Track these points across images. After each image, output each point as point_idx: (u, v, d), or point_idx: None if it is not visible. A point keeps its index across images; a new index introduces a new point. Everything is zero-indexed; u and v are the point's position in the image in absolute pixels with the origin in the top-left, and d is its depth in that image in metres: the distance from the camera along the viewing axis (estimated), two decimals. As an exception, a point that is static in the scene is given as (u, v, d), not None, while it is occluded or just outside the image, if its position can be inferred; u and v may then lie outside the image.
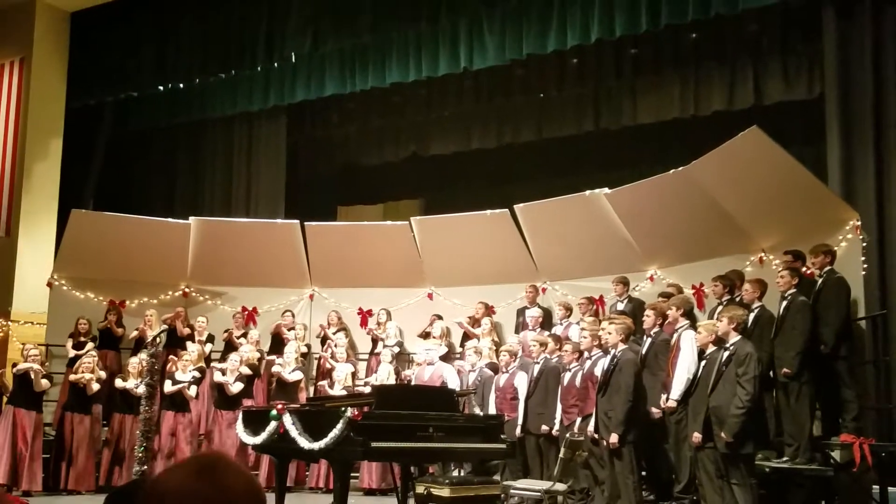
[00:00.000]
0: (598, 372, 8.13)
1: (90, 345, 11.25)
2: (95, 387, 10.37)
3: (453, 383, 9.93)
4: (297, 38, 13.23)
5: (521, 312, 11.22)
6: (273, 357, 11.29)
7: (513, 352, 9.76)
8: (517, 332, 11.00)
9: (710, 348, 7.27)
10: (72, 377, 10.37)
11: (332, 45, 13.07)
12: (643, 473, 8.23)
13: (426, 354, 10.53)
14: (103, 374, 10.66)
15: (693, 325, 7.95)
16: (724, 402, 6.86)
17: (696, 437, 7.07)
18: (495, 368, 10.02)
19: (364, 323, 12.22)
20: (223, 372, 10.70)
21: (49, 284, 12.43)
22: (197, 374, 10.68)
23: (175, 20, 14.24)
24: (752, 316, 7.93)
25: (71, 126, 14.79)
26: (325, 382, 10.95)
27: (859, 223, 8.45)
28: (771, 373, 7.79)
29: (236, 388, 10.55)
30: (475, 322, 11.26)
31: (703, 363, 7.38)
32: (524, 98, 12.98)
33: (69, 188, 14.47)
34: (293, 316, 12.07)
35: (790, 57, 10.89)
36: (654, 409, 7.96)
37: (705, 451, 7.06)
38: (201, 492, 1.35)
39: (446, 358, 10.88)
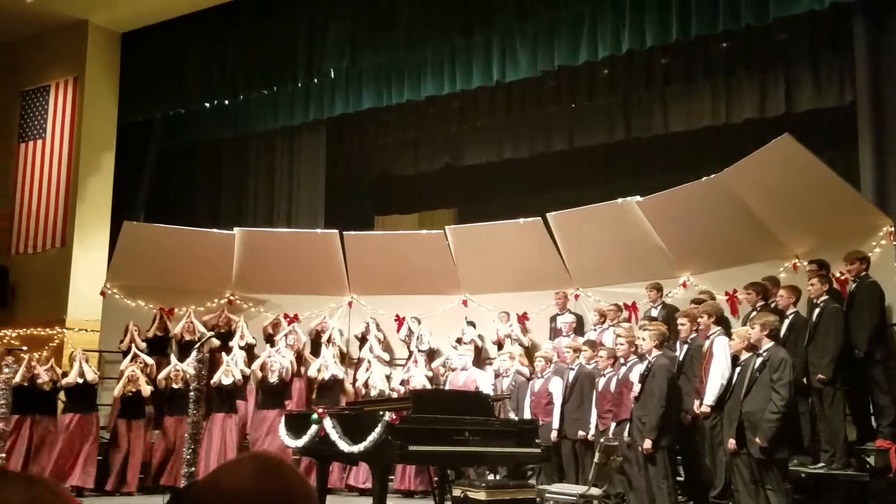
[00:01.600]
0: (633, 378, 7.90)
1: (142, 344, 11.23)
2: (147, 390, 10.42)
3: (486, 388, 9.77)
4: (336, 55, 13.22)
5: (552, 319, 11.01)
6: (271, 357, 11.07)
7: (548, 357, 9.58)
8: (551, 338, 10.79)
9: (744, 355, 7.04)
10: (115, 392, 10.42)
11: (369, 60, 13.05)
12: (679, 479, 8.01)
13: (459, 360, 10.38)
14: (147, 389, 10.63)
15: (725, 332, 7.72)
16: (758, 408, 6.66)
17: (731, 443, 6.83)
18: (526, 374, 9.87)
19: (400, 329, 12.10)
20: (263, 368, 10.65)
21: (102, 293, 12.53)
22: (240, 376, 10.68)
23: (219, 40, 14.33)
24: (787, 322, 7.67)
25: (122, 141, 14.92)
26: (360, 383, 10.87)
27: (892, 229, 8.16)
28: (805, 379, 7.51)
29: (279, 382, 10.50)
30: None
31: (737, 370, 7.15)
32: (556, 108, 12.85)
33: (121, 201, 14.58)
34: (330, 321, 11.98)
35: (821, 64, 10.63)
36: (685, 414, 7.72)
37: (740, 456, 6.83)
38: (266, 491, 1.31)
39: (479, 363, 10.71)
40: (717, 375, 7.41)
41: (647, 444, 7.37)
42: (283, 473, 1.35)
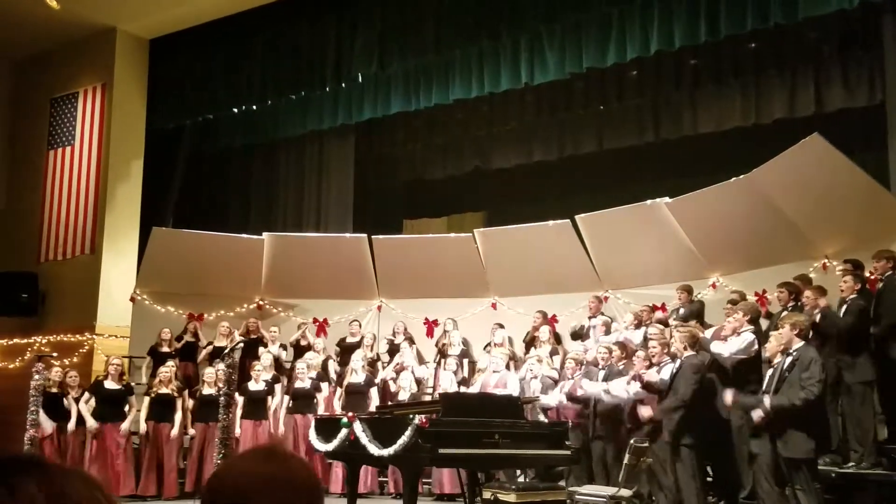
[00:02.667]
0: (664, 376, 8.03)
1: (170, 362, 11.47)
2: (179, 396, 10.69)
3: (515, 391, 9.93)
4: (364, 60, 13.41)
5: (577, 328, 11.11)
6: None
7: (578, 360, 9.72)
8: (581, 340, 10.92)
9: (778, 358, 7.12)
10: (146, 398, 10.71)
11: (397, 65, 13.24)
12: (709, 479, 8.14)
13: (491, 363, 10.55)
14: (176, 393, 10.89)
15: (756, 332, 7.85)
16: (787, 407, 6.75)
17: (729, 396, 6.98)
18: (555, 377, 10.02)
19: (430, 333, 12.31)
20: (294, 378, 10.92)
21: (132, 299, 12.80)
22: (270, 381, 10.93)
23: (247, 46, 14.53)
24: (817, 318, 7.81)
25: (151, 148, 15.13)
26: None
27: (923, 228, 8.28)
28: (836, 378, 7.64)
29: (311, 387, 10.78)
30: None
31: (768, 371, 7.27)
32: (584, 110, 12.98)
33: (150, 207, 14.77)
34: (359, 326, 12.21)
35: (850, 64, 10.72)
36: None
37: (767, 456, 6.96)
38: (269, 473, 1.39)
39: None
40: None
41: (666, 435, 7.49)
42: (279, 455, 1.44)
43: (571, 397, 9.10)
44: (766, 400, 6.78)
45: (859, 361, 7.39)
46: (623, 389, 8.47)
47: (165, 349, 11.74)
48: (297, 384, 10.88)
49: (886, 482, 7.28)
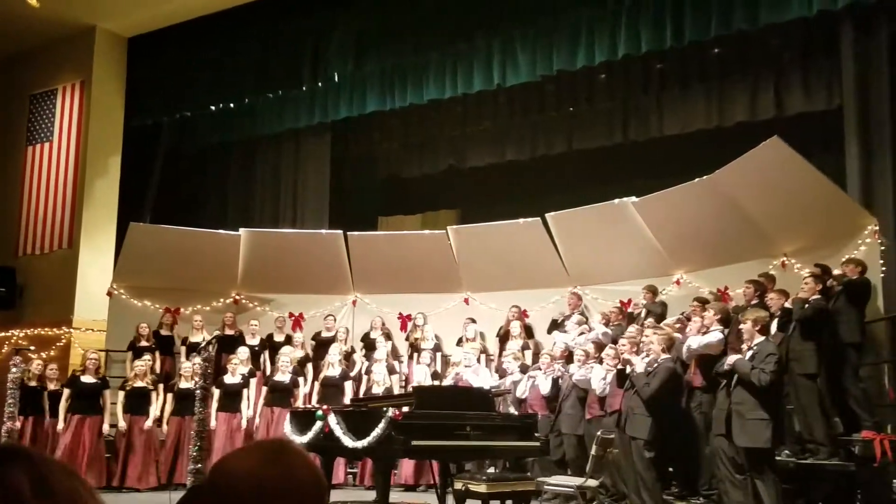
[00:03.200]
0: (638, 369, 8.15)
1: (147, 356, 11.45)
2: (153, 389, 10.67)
3: (487, 384, 10.03)
4: (341, 60, 13.46)
5: (558, 317, 11.25)
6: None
7: (553, 355, 9.84)
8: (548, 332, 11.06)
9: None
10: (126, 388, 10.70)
11: (374, 65, 13.29)
12: (671, 469, 8.29)
13: (464, 357, 10.66)
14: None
15: (724, 332, 7.99)
16: (746, 399, 6.89)
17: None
18: (525, 369, 10.13)
19: (404, 327, 12.38)
20: (274, 371, 10.94)
21: (109, 293, 12.74)
22: (247, 374, 10.96)
23: (226, 45, 14.50)
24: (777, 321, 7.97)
25: (129, 144, 15.06)
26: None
27: (877, 228, 8.47)
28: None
29: (290, 381, 10.85)
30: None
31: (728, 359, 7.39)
32: (555, 112, 13.08)
33: (128, 202, 14.70)
34: (335, 320, 12.25)
35: (810, 70, 10.90)
36: None
37: (726, 447, 7.10)
38: (270, 477, 1.33)
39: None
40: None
41: (629, 429, 7.63)
42: (286, 458, 1.37)
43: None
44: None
45: (807, 354, 7.55)
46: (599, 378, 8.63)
47: (144, 343, 11.70)
48: (277, 377, 10.90)
49: (842, 473, 7.43)
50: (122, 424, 10.51)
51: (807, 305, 7.73)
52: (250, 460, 1.36)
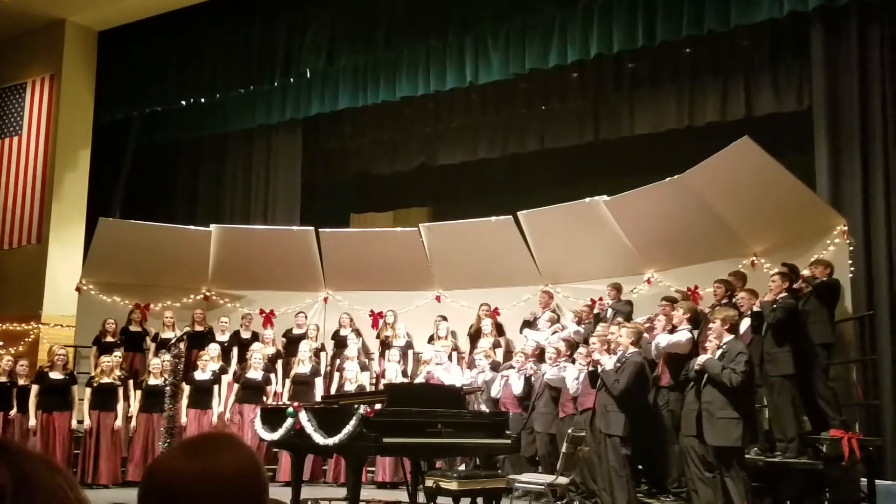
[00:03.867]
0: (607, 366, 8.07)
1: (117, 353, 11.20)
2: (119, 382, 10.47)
3: (458, 382, 9.92)
4: (313, 56, 13.29)
5: (529, 317, 11.13)
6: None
7: (525, 353, 9.75)
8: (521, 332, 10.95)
9: (718, 352, 7.11)
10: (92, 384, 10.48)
11: (346, 61, 13.15)
12: (640, 467, 8.23)
13: (435, 355, 10.53)
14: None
15: (692, 331, 7.94)
16: (716, 398, 6.82)
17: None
18: (496, 368, 10.02)
19: (375, 324, 12.23)
20: (246, 368, 10.76)
21: (78, 289, 12.49)
22: (217, 371, 10.77)
23: (197, 39, 14.33)
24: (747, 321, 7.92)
25: (99, 139, 14.84)
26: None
27: (846, 228, 8.44)
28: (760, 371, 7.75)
29: (262, 378, 10.72)
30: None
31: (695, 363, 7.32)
32: (528, 110, 13.00)
33: (97, 197, 14.50)
34: (305, 317, 12.07)
35: (780, 71, 10.86)
36: None
37: (696, 445, 7.04)
38: (187, 470, 1.29)
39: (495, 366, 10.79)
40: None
41: (601, 426, 7.55)
42: (206, 451, 1.32)
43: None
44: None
45: (781, 356, 7.50)
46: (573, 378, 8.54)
47: (110, 339, 11.49)
48: (250, 374, 10.71)
49: (812, 471, 7.40)
50: (87, 422, 10.28)
51: (775, 307, 7.67)
52: (173, 458, 1.33)
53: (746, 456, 7.20)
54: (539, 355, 9.74)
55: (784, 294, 7.73)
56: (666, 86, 11.77)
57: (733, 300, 8.44)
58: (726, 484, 6.80)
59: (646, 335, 8.35)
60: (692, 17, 10.34)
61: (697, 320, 8.23)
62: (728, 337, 7.06)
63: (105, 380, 10.41)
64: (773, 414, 7.61)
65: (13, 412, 10.31)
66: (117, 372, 10.58)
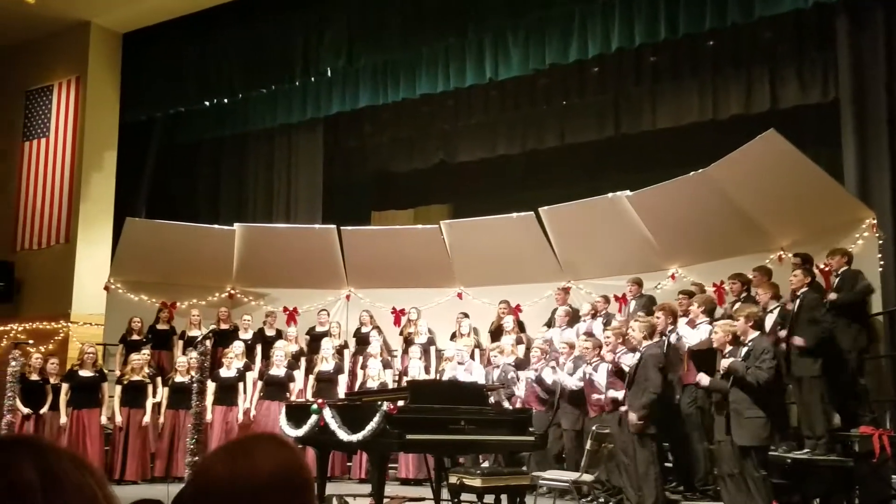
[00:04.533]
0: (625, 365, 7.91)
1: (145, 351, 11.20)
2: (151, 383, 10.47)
3: (480, 379, 9.78)
4: (333, 55, 13.19)
5: (553, 312, 10.97)
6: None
7: (544, 349, 9.58)
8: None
9: (728, 347, 6.96)
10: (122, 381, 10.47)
11: (366, 60, 13.03)
12: (669, 465, 8.04)
13: (457, 354, 10.38)
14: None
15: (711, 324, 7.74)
16: (742, 398, 6.62)
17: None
18: (519, 365, 9.84)
19: (398, 322, 12.11)
20: (269, 365, 10.69)
21: (106, 288, 12.49)
22: (242, 368, 10.73)
23: (219, 40, 14.26)
24: (772, 315, 7.67)
25: (124, 139, 14.83)
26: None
27: (875, 222, 8.19)
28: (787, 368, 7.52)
29: (285, 375, 10.67)
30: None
31: (723, 362, 7.12)
32: (547, 106, 12.83)
33: (123, 198, 14.50)
34: (328, 315, 11.96)
35: (805, 62, 10.62)
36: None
37: (724, 444, 6.84)
38: (228, 472, 1.29)
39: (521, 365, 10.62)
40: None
41: (633, 417, 7.37)
42: (243, 455, 1.32)
43: (539, 382, 8.99)
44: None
45: (811, 350, 7.27)
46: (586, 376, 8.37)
47: (136, 337, 11.50)
48: (273, 371, 10.64)
49: (841, 468, 7.18)
50: (118, 418, 10.33)
51: (797, 301, 7.41)
52: (218, 460, 1.33)
53: (773, 453, 7.00)
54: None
55: (806, 288, 7.51)
56: (688, 79, 11.55)
57: (751, 295, 8.21)
58: (748, 483, 6.60)
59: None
60: (715, 10, 10.10)
61: (713, 312, 8.03)
62: (753, 333, 6.86)
63: (135, 377, 10.52)
64: (802, 410, 7.39)
65: (45, 410, 10.35)
66: (146, 369, 10.63)
